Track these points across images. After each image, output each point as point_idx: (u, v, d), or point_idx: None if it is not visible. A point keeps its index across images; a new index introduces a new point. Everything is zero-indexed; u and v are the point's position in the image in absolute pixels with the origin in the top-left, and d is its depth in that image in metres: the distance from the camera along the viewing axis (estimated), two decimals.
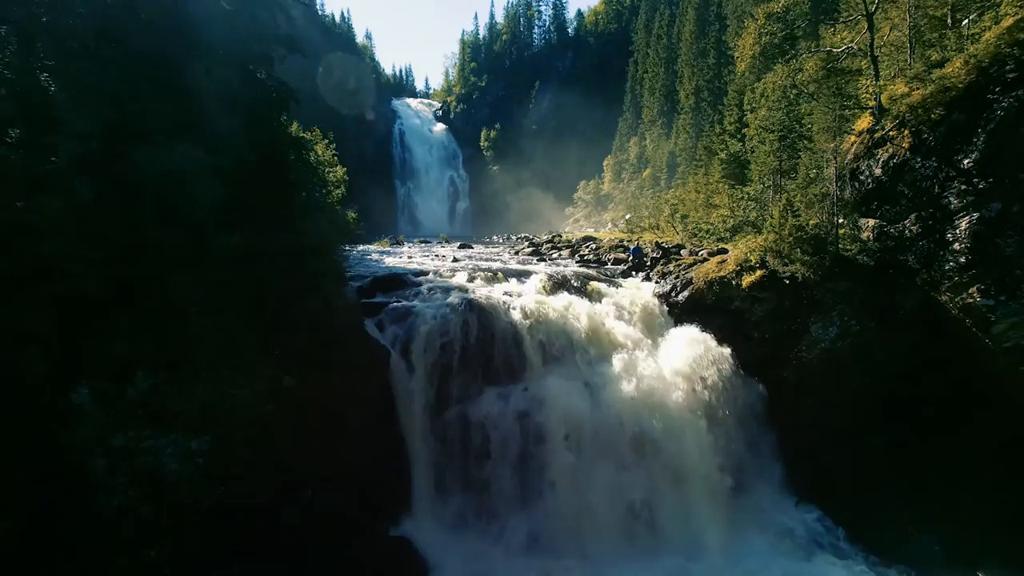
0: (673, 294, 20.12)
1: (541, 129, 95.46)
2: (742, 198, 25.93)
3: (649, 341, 18.76)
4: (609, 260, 25.88)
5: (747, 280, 18.28)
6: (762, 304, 18.24)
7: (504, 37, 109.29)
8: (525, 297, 18.83)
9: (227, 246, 13.56)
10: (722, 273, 19.16)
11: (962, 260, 14.28)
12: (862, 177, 16.78)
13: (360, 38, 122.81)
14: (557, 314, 18.41)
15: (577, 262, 26.13)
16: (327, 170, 36.84)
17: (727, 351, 18.08)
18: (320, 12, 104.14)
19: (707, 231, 31.16)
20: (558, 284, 20.32)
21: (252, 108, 16.31)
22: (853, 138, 17.54)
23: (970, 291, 14.13)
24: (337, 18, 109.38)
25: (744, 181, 28.60)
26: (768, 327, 18.20)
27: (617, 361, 17.50)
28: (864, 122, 16.92)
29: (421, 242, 45.94)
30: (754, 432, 18.32)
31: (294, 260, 14.44)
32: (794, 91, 19.78)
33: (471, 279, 20.57)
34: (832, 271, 16.37)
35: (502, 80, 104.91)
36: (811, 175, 17.83)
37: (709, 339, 18.33)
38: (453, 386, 17.36)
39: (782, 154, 19.41)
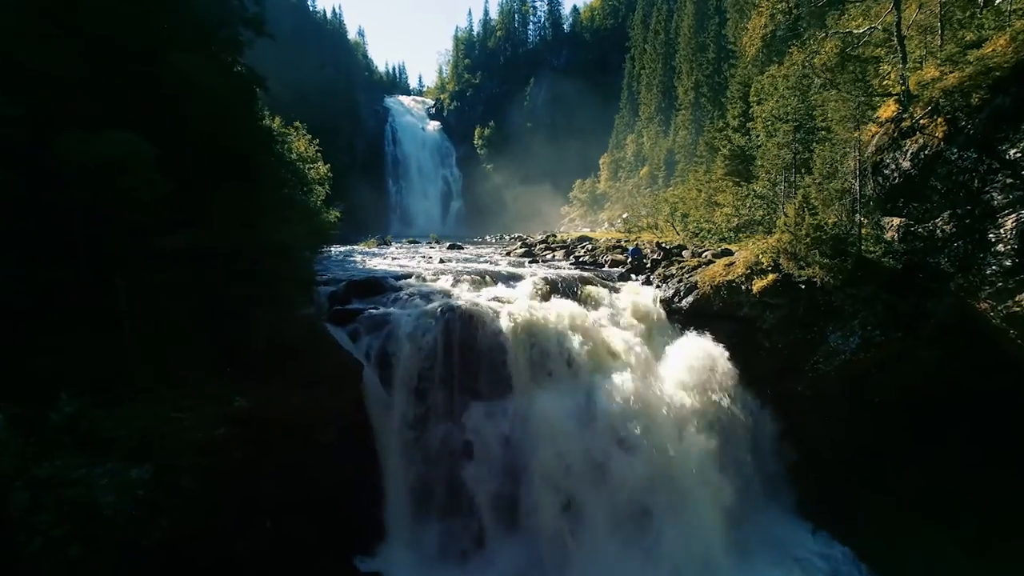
0: (676, 299, 18.48)
1: (536, 127, 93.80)
2: (748, 196, 24.30)
3: (651, 352, 17.12)
4: (606, 262, 24.21)
5: (758, 284, 16.64)
6: (775, 311, 16.61)
7: (498, 33, 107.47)
8: (514, 304, 17.13)
9: (170, 246, 11.86)
10: (730, 277, 17.52)
11: (1007, 263, 12.63)
12: (886, 171, 15.15)
13: (352, 35, 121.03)
14: (549, 322, 16.74)
15: (572, 264, 24.46)
16: (307, 166, 35.15)
17: (735, 362, 16.48)
18: (311, 8, 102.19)
19: (709, 231, 29.57)
20: (551, 288, 18.65)
21: (214, 95, 14.53)
22: (875, 128, 15.91)
23: (1017, 298, 12.49)
24: (328, 14, 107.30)
25: (749, 178, 26.98)
26: (781, 336, 16.58)
27: (616, 376, 15.84)
28: (889, 110, 15.29)
29: (410, 242, 44.19)
30: (765, 451, 16.72)
31: (251, 263, 12.71)
32: (807, 80, 18.11)
33: (456, 283, 18.87)
34: (854, 275, 14.73)
35: (496, 77, 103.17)
36: (829, 169, 16.17)
37: (716, 349, 16.71)
38: (434, 402, 15.68)
39: (797, 146, 17.74)
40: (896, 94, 15.00)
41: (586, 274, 20.71)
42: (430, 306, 16.54)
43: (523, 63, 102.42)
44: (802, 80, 18.96)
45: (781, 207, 21.62)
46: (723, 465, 15.23)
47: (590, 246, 29.32)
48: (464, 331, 16.06)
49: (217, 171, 14.08)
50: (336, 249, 33.84)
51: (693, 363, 16.50)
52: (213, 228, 12.73)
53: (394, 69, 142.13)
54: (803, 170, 18.48)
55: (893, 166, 14.79)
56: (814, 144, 17.98)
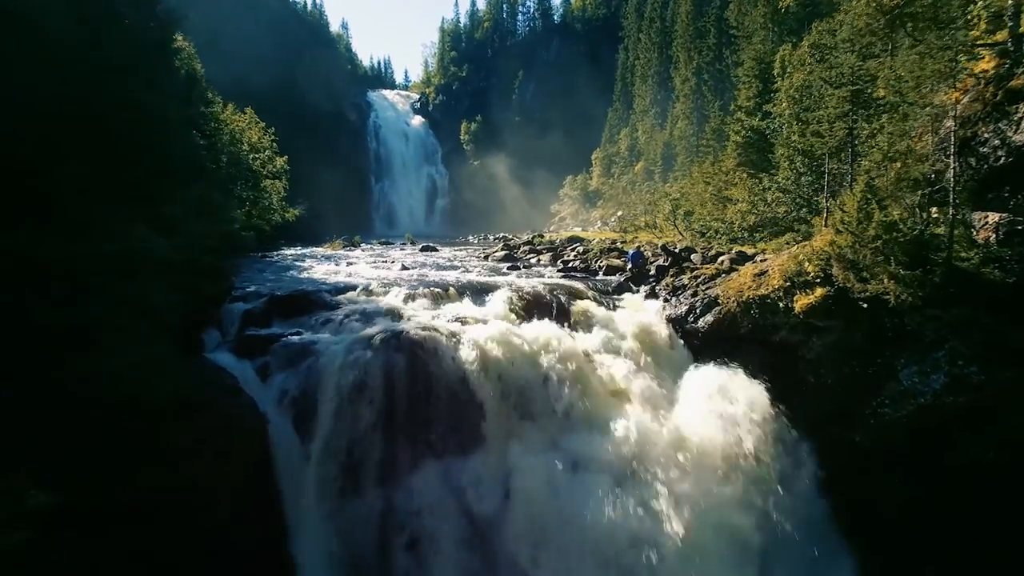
0: (691, 318, 14.45)
1: (525, 121, 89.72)
2: (768, 189, 20.38)
3: (661, 389, 13.11)
4: (600, 268, 20.16)
5: (802, 302, 12.64)
6: (823, 336, 12.64)
7: (486, 25, 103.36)
8: (483, 326, 13.08)
9: None
10: (762, 291, 13.50)
11: None
12: (982, 149, 11.20)
13: (335, 27, 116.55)
14: (528, 351, 12.70)
15: (560, 271, 20.37)
16: (253, 156, 30.95)
17: (773, 405, 12.49)
18: None
19: (718, 231, 25.67)
20: (531, 304, 14.64)
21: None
22: (956, 95, 11.91)
23: None
24: (308, 5, 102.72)
25: (766, 168, 23.06)
26: (832, 369, 12.61)
27: (617, 424, 11.82)
28: (986, 66, 11.35)
29: (382, 243, 39.99)
30: (814, 519, 12.73)
31: (76, 286, 8.56)
32: (868, 34, 14.17)
33: (410, 298, 14.80)
34: (944, 291, 10.76)
35: (484, 70, 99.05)
36: (897, 149, 12.16)
37: (747, 385, 12.71)
38: (370, 461, 11.59)
39: (854, 118, 13.70)
40: (999, 44, 11.05)
41: (576, 284, 16.68)
42: (368, 331, 12.43)
43: (512, 55, 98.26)
44: (861, 34, 14.95)
45: (820, 200, 17.72)
46: (764, 552, 11.19)
47: (581, 249, 25.29)
48: (412, 364, 11.99)
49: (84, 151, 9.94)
50: (289, 252, 29.68)
51: (717, 404, 12.49)
52: (68, 233, 8.59)
53: (379, 64, 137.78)
54: (854, 152, 14.47)
55: (996, 141, 10.84)
56: (872, 116, 13.97)
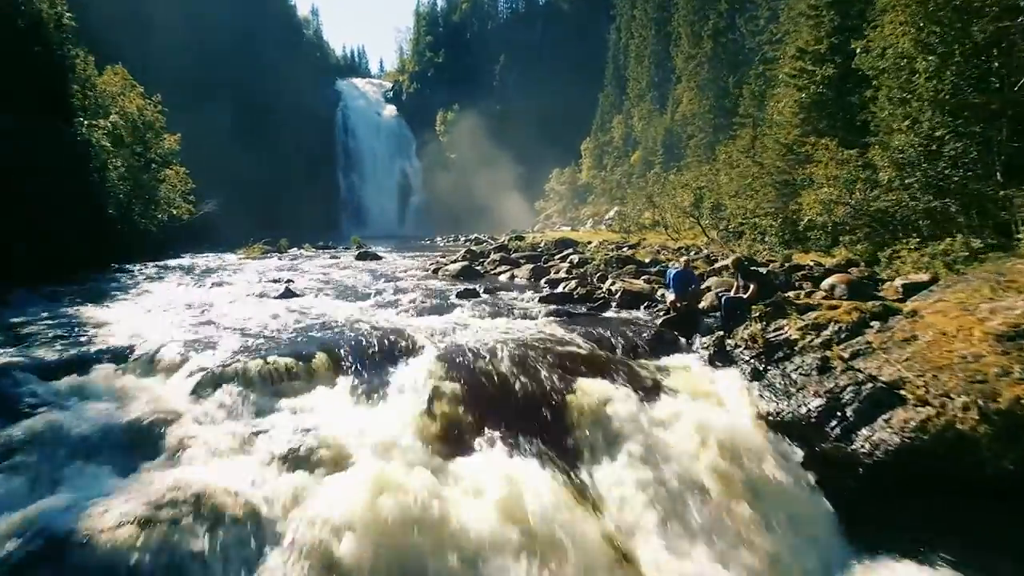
0: (835, 430, 6.45)
1: (507, 110, 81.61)
2: (885, 166, 12.66)
3: None
4: (612, 295, 12.00)
5: None
6: None
7: (464, 6, 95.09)
8: (345, 482, 5.11)
9: None
10: None
11: None
12: None
13: (303, 12, 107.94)
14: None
15: (545, 299, 12.12)
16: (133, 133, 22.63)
17: None
18: None
19: (767, 230, 18.01)
20: (477, 399, 6.69)
21: None
22: None
23: None
24: None
25: (847, 139, 15.24)
26: None
27: None
28: None
29: (318, 248, 31.71)
30: None
31: None
32: None
33: (209, 387, 6.74)
34: None
35: (462, 55, 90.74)
36: None
37: None
38: None
39: None
40: None
41: (575, 336, 8.64)
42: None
43: (492, 39, 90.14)
44: None
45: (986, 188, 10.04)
46: None
47: (576, 258, 17.22)
48: None
49: None
50: (173, 262, 21.59)
51: None
52: None
53: (352, 53, 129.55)
54: None
55: None
56: None
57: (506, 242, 24.78)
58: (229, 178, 60.63)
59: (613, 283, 12.19)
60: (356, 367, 7.55)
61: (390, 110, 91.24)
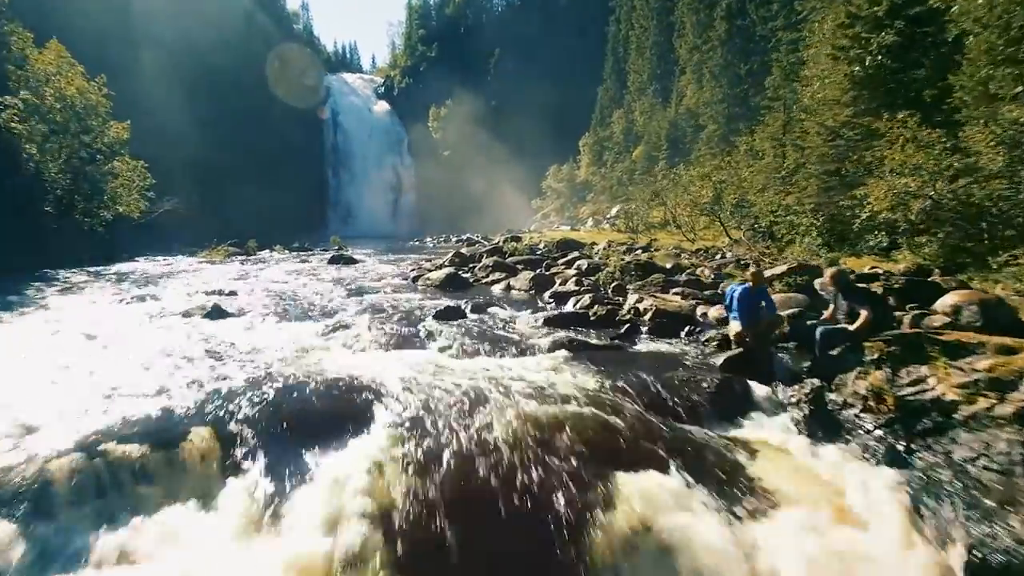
0: None
1: (502, 106, 78.52)
2: (995, 143, 9.86)
3: None
4: (639, 315, 9.13)
5: None
6: None
7: None
8: None
9: None
10: None
11: None
12: None
13: (292, 4, 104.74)
14: None
15: (549, 319, 9.18)
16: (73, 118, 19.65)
17: None
18: None
19: (808, 229, 15.38)
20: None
21: None
22: None
23: None
24: None
25: (928, 113, 12.41)
26: None
27: None
28: None
29: (293, 250, 28.73)
30: None
31: None
32: None
33: None
34: None
35: (456, 49, 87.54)
36: None
37: None
38: None
39: None
40: None
41: (596, 384, 5.80)
42: None
43: (487, 32, 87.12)
44: None
45: None
46: None
47: (584, 264, 14.33)
48: None
49: None
50: (112, 269, 18.69)
51: None
52: None
53: (344, 48, 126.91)
54: None
55: None
56: None
57: (501, 243, 21.89)
58: (211, 175, 57.77)
59: (639, 299, 9.29)
60: (258, 454, 4.66)
61: (382, 106, 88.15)
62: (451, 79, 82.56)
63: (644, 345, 7.85)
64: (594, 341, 7.74)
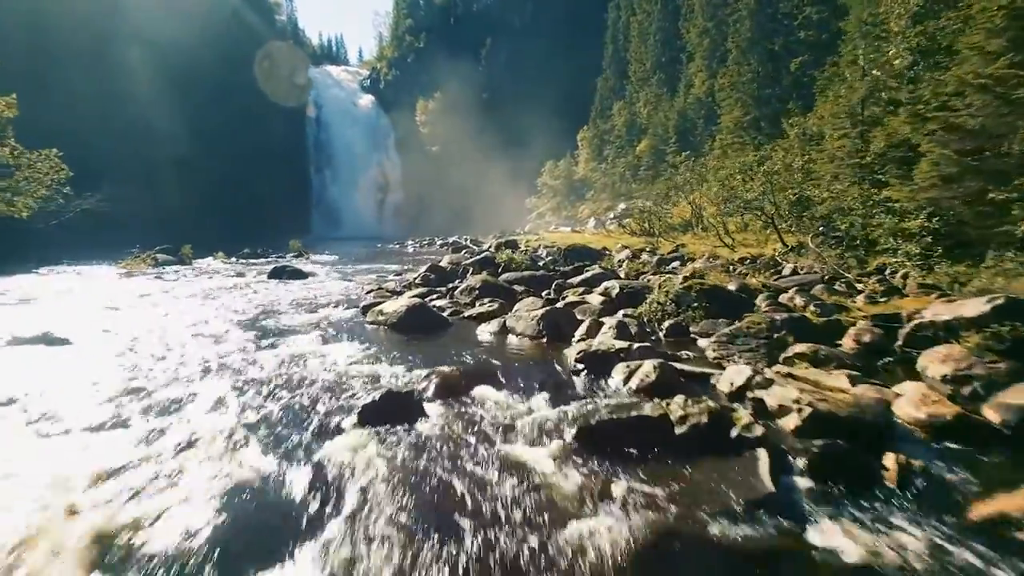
0: None
1: (494, 98, 73.90)
2: None
3: None
4: (774, 418, 4.58)
5: None
6: None
7: None
8: None
9: None
10: None
11: None
12: None
13: None
14: None
15: (584, 429, 4.66)
16: None
17: None
18: None
19: (921, 237, 10.96)
20: None
21: None
22: None
23: None
24: None
25: None
26: None
27: None
28: None
29: (240, 257, 23.95)
30: None
31: None
32: None
33: None
34: None
35: (445, 39, 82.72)
36: None
37: None
38: None
39: None
40: None
41: None
42: None
43: (477, 21, 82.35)
44: None
45: None
46: None
47: (614, 286, 9.71)
48: None
49: None
50: None
51: None
52: None
53: (330, 41, 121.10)
54: None
55: None
56: None
57: (492, 250, 17.25)
58: (187, 174, 53.39)
59: (756, 378, 4.73)
60: None
61: (367, 99, 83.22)
62: (440, 70, 77.79)
63: (808, 508, 3.26)
64: (690, 502, 3.15)
